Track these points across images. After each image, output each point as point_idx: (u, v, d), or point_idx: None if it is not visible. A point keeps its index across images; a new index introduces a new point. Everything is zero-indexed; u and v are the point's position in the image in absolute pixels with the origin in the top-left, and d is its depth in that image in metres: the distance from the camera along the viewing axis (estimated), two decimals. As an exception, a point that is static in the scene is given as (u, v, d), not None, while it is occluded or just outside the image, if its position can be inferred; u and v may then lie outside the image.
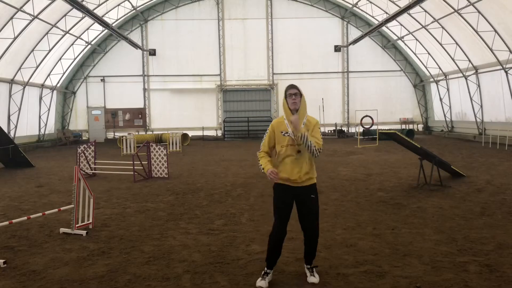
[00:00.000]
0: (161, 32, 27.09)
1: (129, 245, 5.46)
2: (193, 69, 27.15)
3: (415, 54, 25.58)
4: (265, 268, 4.23)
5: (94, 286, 4.22)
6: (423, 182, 9.14)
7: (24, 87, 21.07)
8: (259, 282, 4.10)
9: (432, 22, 21.12)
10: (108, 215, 7.16)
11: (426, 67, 25.56)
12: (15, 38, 18.07)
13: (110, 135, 27.49)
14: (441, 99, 24.73)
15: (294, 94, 4.10)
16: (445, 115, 24.75)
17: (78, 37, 23.46)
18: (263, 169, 4.17)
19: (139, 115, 27.41)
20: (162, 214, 7.15)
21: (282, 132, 4.13)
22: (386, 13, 22.54)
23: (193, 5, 27.20)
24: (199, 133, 27.04)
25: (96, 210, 7.20)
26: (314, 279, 4.19)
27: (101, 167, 12.65)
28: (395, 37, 26.08)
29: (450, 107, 24.28)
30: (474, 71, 20.67)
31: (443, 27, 20.87)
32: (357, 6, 25.67)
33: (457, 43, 20.74)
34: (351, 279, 4.23)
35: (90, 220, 6.33)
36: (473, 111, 21.31)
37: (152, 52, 26.87)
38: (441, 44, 21.78)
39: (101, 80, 26.99)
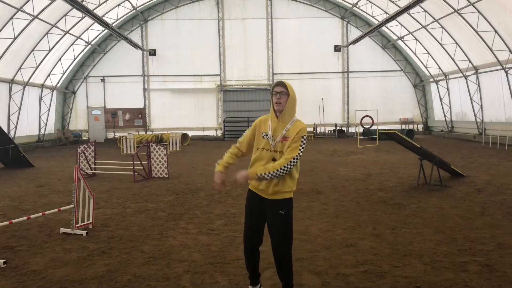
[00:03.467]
0: (161, 32, 27.08)
1: (129, 245, 5.46)
2: (193, 69, 27.15)
3: (415, 54, 25.58)
4: (250, 286, 3.83)
5: (94, 286, 4.22)
6: (423, 182, 9.14)
7: (24, 87, 21.07)
8: None
9: (432, 22, 21.11)
10: (108, 215, 7.16)
11: (426, 67, 25.55)
12: (15, 38, 18.07)
13: (110, 135, 27.49)
14: (441, 99, 24.73)
15: (279, 92, 3.46)
16: (445, 115, 24.74)
17: (78, 37, 23.46)
18: (218, 163, 3.61)
19: (139, 115, 27.41)
20: (162, 214, 7.14)
21: (262, 134, 3.56)
22: (386, 13, 22.54)
23: (193, 5, 27.20)
24: (199, 133, 27.04)
25: (96, 210, 7.20)
26: None
27: (101, 167, 12.65)
28: (395, 37, 26.08)
29: (450, 107, 24.28)
30: (474, 71, 20.66)
31: (443, 27, 20.87)
32: (357, 6, 25.66)
33: (457, 43, 20.74)
34: (351, 279, 4.23)
35: (90, 220, 6.33)
36: (473, 111, 21.31)
37: (152, 52, 26.87)
38: (441, 44, 21.78)
39: (101, 80, 26.99)
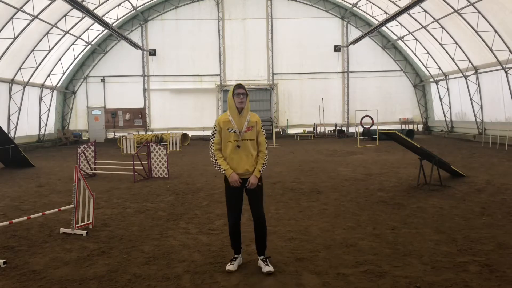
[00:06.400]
0: (161, 32, 27.08)
1: (129, 245, 5.46)
2: (193, 69, 27.15)
3: (415, 54, 25.57)
4: (234, 254, 4.64)
5: (94, 286, 4.22)
6: (423, 182, 9.14)
7: (24, 87, 21.07)
8: (228, 266, 4.47)
9: (432, 22, 21.11)
10: (108, 215, 7.17)
11: (426, 67, 25.55)
12: (15, 38, 18.07)
13: (110, 135, 27.49)
14: (441, 99, 24.73)
15: (242, 93, 4.39)
16: (445, 115, 24.74)
17: (78, 37, 23.46)
18: (224, 170, 4.45)
19: (139, 115, 27.41)
20: (162, 214, 7.15)
21: (228, 129, 4.43)
22: (386, 13, 22.54)
23: (193, 5, 27.20)
24: (199, 133, 27.03)
25: (96, 210, 7.20)
26: (269, 268, 4.39)
27: (101, 167, 12.66)
28: (395, 37, 26.07)
29: (450, 107, 24.28)
30: (474, 71, 20.66)
31: (443, 27, 20.87)
32: (357, 6, 25.66)
33: (457, 43, 20.74)
34: (351, 279, 4.23)
35: (90, 220, 6.33)
36: (473, 111, 21.31)
37: (152, 52, 26.87)
38: (441, 44, 21.78)
39: (101, 80, 26.99)
